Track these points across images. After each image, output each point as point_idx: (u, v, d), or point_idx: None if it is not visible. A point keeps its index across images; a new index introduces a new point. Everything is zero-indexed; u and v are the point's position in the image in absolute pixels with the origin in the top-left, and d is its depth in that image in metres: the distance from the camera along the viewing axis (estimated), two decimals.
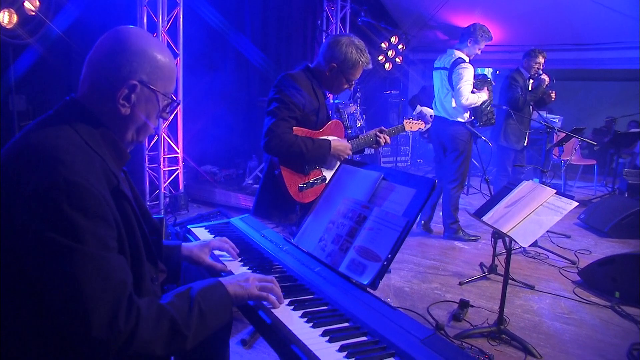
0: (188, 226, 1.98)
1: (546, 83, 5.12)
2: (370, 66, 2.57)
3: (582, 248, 4.63)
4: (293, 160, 2.47)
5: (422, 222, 4.88)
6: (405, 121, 3.17)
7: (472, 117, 4.46)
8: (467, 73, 4.26)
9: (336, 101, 6.49)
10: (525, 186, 2.79)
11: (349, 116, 6.23)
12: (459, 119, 4.41)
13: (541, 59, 5.11)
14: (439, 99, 4.57)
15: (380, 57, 8.72)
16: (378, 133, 2.80)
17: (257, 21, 6.50)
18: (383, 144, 2.80)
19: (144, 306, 1.10)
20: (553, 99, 5.30)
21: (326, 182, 2.56)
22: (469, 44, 4.35)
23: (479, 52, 4.41)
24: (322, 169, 2.59)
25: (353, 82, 2.59)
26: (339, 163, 2.59)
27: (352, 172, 1.83)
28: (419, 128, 3.23)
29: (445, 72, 4.42)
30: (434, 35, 9.23)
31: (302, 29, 7.20)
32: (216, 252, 1.71)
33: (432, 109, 4.89)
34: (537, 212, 2.55)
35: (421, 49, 9.93)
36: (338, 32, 7.65)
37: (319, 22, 7.16)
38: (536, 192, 2.67)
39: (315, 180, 2.55)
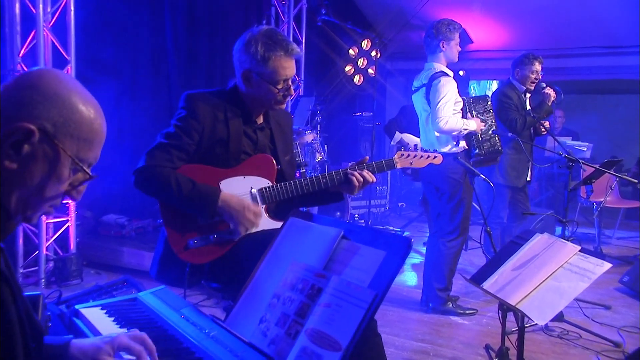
0: (76, 306, 1.95)
1: (552, 99, 5.34)
2: (298, 52, 2.61)
3: (628, 324, 4.64)
4: (166, 203, 2.54)
5: (431, 307, 4.82)
6: (397, 155, 2.96)
7: (466, 147, 4.59)
8: (447, 88, 4.40)
9: None
10: (538, 241, 2.88)
11: (304, 148, 6.32)
12: (448, 150, 4.54)
13: (538, 66, 5.33)
14: (422, 126, 4.73)
15: (347, 68, 8.95)
16: (349, 170, 2.72)
17: (180, 18, 6.60)
18: (358, 184, 2.71)
19: None
20: (544, 132, 5.49)
21: (235, 239, 2.59)
22: (442, 48, 4.54)
23: (459, 49, 4.63)
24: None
25: (284, 85, 2.61)
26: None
27: (302, 227, 1.87)
28: (431, 163, 3.05)
29: (424, 90, 4.58)
30: (419, 38, 9.50)
31: (242, 32, 7.33)
32: (125, 357, 1.63)
33: (419, 137, 5.02)
34: (556, 276, 2.62)
35: (402, 57, 10.25)
36: (291, 35, 7.84)
37: (264, 21, 7.33)
38: (554, 249, 2.76)
39: (214, 235, 2.57)
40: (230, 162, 2.63)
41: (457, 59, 4.63)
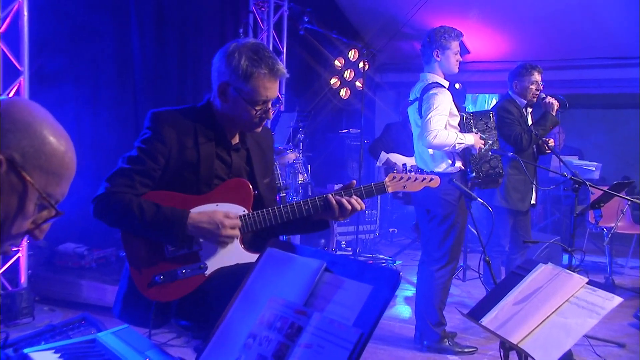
0: (25, 350, 1.92)
1: (555, 108, 5.38)
2: (283, 73, 2.62)
3: None
4: (131, 232, 2.54)
5: (426, 344, 4.78)
6: (389, 178, 2.93)
7: (463, 167, 4.60)
8: (439, 99, 4.44)
9: None
10: (542, 272, 2.88)
11: (285, 169, 6.31)
12: (443, 169, 4.55)
13: (537, 76, 5.41)
14: (416, 143, 4.77)
15: (333, 81, 9.00)
16: (335, 196, 2.69)
17: (147, 24, 6.60)
18: (344, 212, 2.69)
19: None
20: (549, 150, 5.50)
21: (206, 273, 2.58)
22: (437, 57, 4.59)
23: (459, 59, 4.66)
24: (199, 252, 2.60)
25: (263, 107, 2.62)
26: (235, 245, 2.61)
27: (280, 259, 1.86)
28: (426, 187, 3.04)
29: (417, 104, 4.63)
30: (411, 48, 9.61)
31: (217, 40, 7.37)
32: None
33: (407, 156, 5.03)
34: (561, 311, 2.62)
35: (392, 68, 10.34)
36: (271, 44, 7.88)
37: (241, 30, 7.36)
38: (559, 281, 2.77)
39: (183, 270, 2.55)
40: (201, 188, 2.62)
41: (456, 70, 4.67)
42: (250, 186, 2.71)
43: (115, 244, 6.29)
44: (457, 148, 4.48)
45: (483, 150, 4.61)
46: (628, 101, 10.35)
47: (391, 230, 9.54)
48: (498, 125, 5.20)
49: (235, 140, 2.79)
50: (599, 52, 8.68)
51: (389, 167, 6.90)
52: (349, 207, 2.69)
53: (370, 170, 10.11)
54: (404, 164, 3.08)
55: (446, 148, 4.47)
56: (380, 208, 9.02)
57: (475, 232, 4.05)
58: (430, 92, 4.47)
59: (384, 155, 7.26)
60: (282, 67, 2.62)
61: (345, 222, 7.97)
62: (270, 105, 2.66)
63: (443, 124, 4.42)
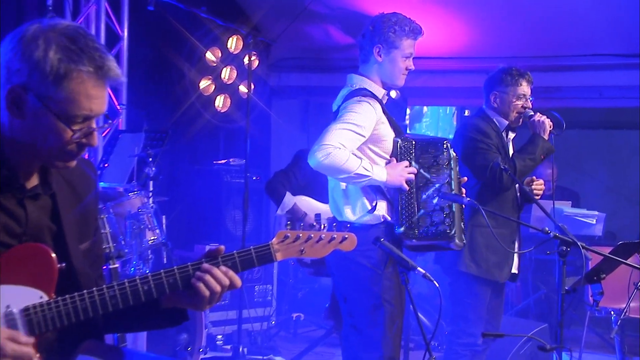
0: None
1: (548, 129, 5.49)
2: (116, 75, 2.51)
3: None
4: None
5: None
6: (277, 239, 2.78)
7: (387, 216, 4.59)
8: (357, 110, 4.48)
9: (101, 185, 6.47)
10: None
11: (122, 223, 6.21)
12: (357, 217, 4.56)
13: (526, 87, 5.55)
14: (330, 180, 4.79)
15: (203, 84, 8.98)
16: (191, 269, 2.62)
17: None
18: (209, 293, 2.58)
19: None
20: (538, 195, 5.60)
21: None
22: (377, 56, 4.66)
23: (410, 68, 4.76)
24: None
25: (84, 126, 2.50)
26: None
27: None
28: (337, 250, 2.89)
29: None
30: (325, 36, 9.72)
31: (11, 17, 7.23)
32: None
33: (326, 202, 5.04)
34: None
35: (297, 66, 10.38)
36: (103, 26, 7.79)
37: (50, 2, 7.22)
38: None
39: None
40: None
41: (400, 82, 4.80)
42: (54, 256, 2.56)
43: None
44: (358, 182, 4.45)
45: (430, 190, 4.60)
46: None
47: (294, 316, 9.48)
48: (467, 150, 5.31)
49: (33, 182, 2.65)
50: (602, 48, 8.87)
51: (296, 217, 6.85)
52: (215, 285, 2.61)
53: (264, 222, 10.07)
54: (318, 215, 3.00)
55: (340, 176, 4.45)
56: (278, 281, 9.00)
57: (416, 316, 4.05)
58: (349, 103, 4.51)
59: (289, 199, 7.21)
60: (114, 64, 2.51)
61: (221, 305, 7.89)
62: (95, 125, 2.55)
63: (349, 142, 4.40)
